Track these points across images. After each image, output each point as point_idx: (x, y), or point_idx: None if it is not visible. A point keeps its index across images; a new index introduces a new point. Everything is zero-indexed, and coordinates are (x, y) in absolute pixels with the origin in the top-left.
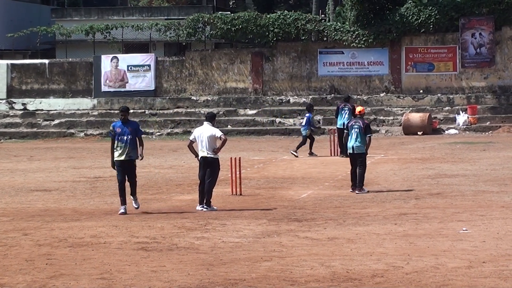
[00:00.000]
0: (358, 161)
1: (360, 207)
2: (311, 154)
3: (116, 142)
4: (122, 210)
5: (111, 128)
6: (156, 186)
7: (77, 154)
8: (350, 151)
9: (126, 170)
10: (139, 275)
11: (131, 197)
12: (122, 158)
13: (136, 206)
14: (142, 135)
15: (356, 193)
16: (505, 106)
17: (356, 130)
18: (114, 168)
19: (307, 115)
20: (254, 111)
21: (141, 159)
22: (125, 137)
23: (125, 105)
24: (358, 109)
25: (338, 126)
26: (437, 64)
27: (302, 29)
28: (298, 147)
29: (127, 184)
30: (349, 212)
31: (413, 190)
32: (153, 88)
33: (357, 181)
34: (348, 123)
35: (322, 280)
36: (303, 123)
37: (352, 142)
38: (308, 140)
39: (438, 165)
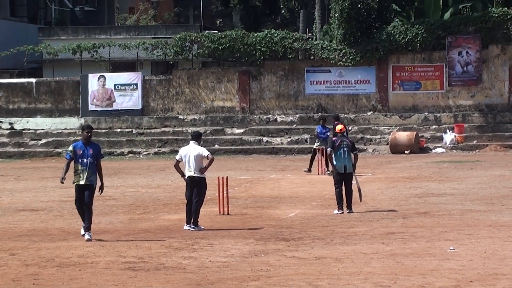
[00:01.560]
0: (348, 180)
1: (348, 226)
2: (310, 170)
3: (75, 164)
4: (88, 237)
5: (70, 148)
6: (143, 205)
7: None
8: (341, 170)
9: (83, 196)
10: None
11: (82, 225)
12: (82, 182)
13: (87, 238)
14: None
15: (348, 212)
16: (492, 124)
17: (345, 149)
18: (62, 182)
19: (326, 129)
20: (241, 130)
21: (101, 193)
22: (86, 160)
23: (111, 124)
24: (339, 127)
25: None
26: (424, 82)
27: (289, 47)
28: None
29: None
30: (337, 231)
31: (400, 209)
32: (140, 107)
33: (349, 200)
34: (334, 142)
35: None
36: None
37: (343, 161)
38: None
39: (425, 184)
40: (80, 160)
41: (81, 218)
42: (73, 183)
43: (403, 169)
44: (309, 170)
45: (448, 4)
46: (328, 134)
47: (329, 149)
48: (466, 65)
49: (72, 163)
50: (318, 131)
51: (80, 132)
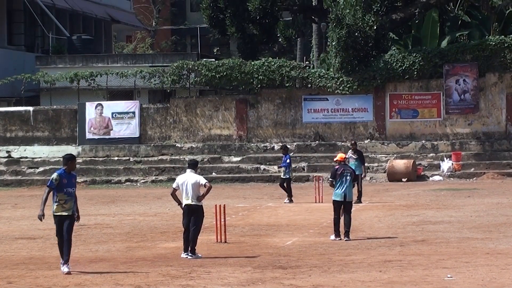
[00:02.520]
0: (346, 208)
1: (345, 254)
2: (291, 200)
3: (59, 194)
4: (66, 269)
5: (55, 176)
6: (141, 233)
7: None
8: (340, 198)
9: (63, 226)
10: None
11: (61, 260)
12: (66, 213)
13: (67, 271)
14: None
15: (346, 240)
16: (489, 152)
17: (348, 177)
18: (41, 220)
19: (287, 156)
20: (238, 158)
21: (78, 221)
22: (71, 190)
23: (108, 152)
24: (341, 156)
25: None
26: (422, 110)
27: (286, 76)
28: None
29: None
30: (334, 259)
31: (397, 237)
32: (138, 135)
33: (348, 227)
34: (336, 170)
35: None
36: (285, 165)
37: (344, 189)
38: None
39: (422, 211)
40: (65, 190)
41: (60, 253)
42: (54, 213)
43: (400, 197)
44: (291, 200)
45: (445, 33)
46: (289, 161)
47: (330, 179)
48: (464, 93)
49: (50, 193)
50: (282, 160)
51: (77, 160)
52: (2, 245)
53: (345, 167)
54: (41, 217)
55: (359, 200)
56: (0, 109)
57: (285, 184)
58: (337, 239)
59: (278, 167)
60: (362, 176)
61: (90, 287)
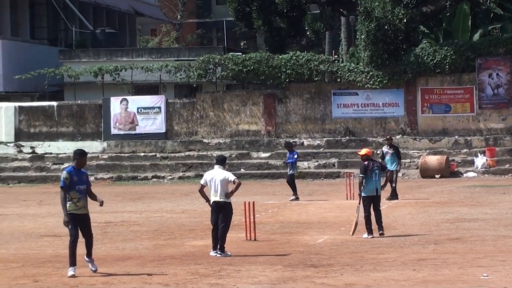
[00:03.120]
0: (377, 202)
1: (378, 253)
2: (297, 198)
3: (70, 192)
4: (72, 273)
5: (65, 175)
6: (168, 231)
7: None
8: (373, 193)
9: (82, 225)
10: None
11: (86, 259)
12: (80, 212)
13: (94, 269)
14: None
15: (380, 233)
16: None
17: (376, 171)
18: (68, 225)
19: (293, 153)
20: (267, 154)
21: (102, 205)
22: (83, 187)
23: (134, 148)
24: (366, 151)
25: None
26: (454, 105)
27: (315, 70)
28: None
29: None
30: (367, 258)
31: (431, 235)
32: (164, 131)
33: (380, 221)
34: (366, 166)
35: None
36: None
37: (375, 184)
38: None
39: (457, 209)
40: (77, 187)
41: (70, 255)
42: (69, 212)
43: (433, 194)
44: (297, 198)
45: (477, 26)
46: (296, 158)
47: (361, 175)
48: (497, 88)
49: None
50: (287, 157)
51: (102, 156)
52: (27, 242)
53: (373, 162)
54: (67, 223)
55: (395, 197)
56: (23, 104)
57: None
58: (370, 236)
59: (284, 163)
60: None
61: (117, 286)
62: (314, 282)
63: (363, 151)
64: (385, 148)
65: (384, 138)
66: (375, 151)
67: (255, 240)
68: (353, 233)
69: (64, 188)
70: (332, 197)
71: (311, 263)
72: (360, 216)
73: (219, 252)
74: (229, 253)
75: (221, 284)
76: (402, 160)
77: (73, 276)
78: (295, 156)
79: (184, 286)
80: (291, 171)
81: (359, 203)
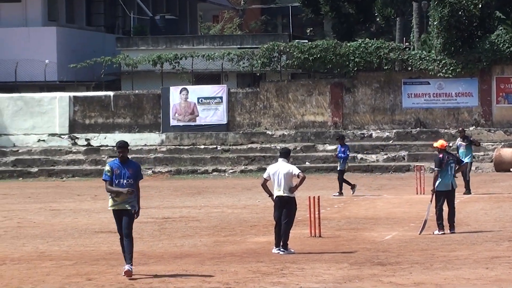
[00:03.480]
0: (451, 198)
1: (449, 250)
2: (341, 193)
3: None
4: (127, 268)
5: (107, 168)
6: (229, 227)
7: (144, 193)
8: (448, 188)
9: (121, 222)
10: None
11: (127, 264)
12: (119, 207)
13: (127, 269)
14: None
15: (451, 232)
16: None
17: (452, 164)
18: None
19: (345, 147)
20: (333, 147)
21: (137, 217)
22: (124, 181)
23: (194, 140)
24: (441, 143)
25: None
26: None
27: (384, 58)
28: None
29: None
30: (437, 255)
31: (505, 231)
32: (225, 122)
33: (452, 219)
34: (441, 159)
35: None
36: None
37: (450, 178)
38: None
39: None
40: (116, 181)
41: (123, 256)
42: (109, 207)
43: (508, 188)
44: (341, 193)
45: None
46: (348, 153)
47: (436, 169)
48: None
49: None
50: (338, 151)
51: (160, 149)
52: (81, 239)
53: (449, 155)
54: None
55: (468, 191)
56: (78, 94)
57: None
58: (441, 233)
59: (335, 157)
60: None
61: (175, 285)
62: (381, 281)
63: (439, 142)
64: (458, 141)
65: (456, 130)
66: (449, 144)
67: (320, 236)
68: (420, 232)
69: (106, 181)
70: (401, 192)
71: (378, 261)
72: (431, 213)
73: (282, 249)
74: (292, 250)
75: (283, 283)
76: (475, 153)
77: (128, 272)
78: (347, 151)
79: (244, 285)
80: (341, 167)
81: (431, 200)
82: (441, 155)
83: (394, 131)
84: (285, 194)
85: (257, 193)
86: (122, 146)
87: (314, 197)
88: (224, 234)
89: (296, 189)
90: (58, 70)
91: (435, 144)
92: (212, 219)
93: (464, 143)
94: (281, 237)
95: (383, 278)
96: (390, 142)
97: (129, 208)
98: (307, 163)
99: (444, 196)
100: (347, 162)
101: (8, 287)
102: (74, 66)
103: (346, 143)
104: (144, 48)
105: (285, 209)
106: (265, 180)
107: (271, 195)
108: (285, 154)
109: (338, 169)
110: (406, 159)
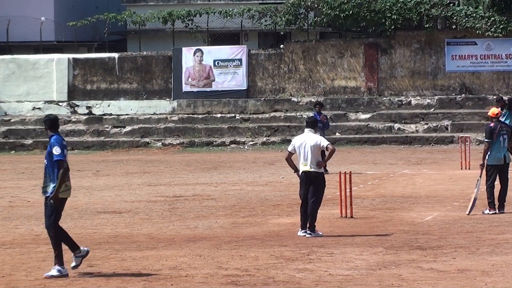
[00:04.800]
0: (504, 174)
1: (497, 232)
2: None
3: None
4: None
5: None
6: (249, 206)
7: (153, 168)
8: (501, 162)
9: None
10: None
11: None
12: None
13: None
14: None
15: (501, 212)
16: None
17: (505, 136)
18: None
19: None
20: (367, 115)
21: (51, 201)
22: (45, 161)
23: (210, 108)
24: (494, 111)
25: None
26: None
27: (426, 15)
28: None
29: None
30: (483, 238)
31: None
32: (245, 88)
33: (504, 197)
34: (492, 129)
35: None
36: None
37: (503, 151)
38: None
39: None
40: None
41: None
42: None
43: None
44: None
45: None
46: (326, 121)
47: (487, 140)
48: None
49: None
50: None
51: (171, 118)
52: (82, 220)
53: (501, 124)
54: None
55: None
56: (79, 56)
57: None
58: (492, 212)
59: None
60: None
61: (188, 271)
62: (420, 268)
63: (493, 110)
64: (506, 110)
65: (508, 97)
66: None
67: (351, 217)
68: (469, 212)
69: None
70: (443, 167)
71: (418, 245)
72: (481, 190)
73: (308, 232)
74: (320, 233)
75: (310, 269)
76: None
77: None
78: (327, 122)
79: (266, 272)
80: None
81: (480, 176)
82: (492, 124)
83: (436, 97)
84: (312, 170)
85: (281, 168)
86: (53, 119)
87: (345, 172)
88: (243, 214)
89: (325, 164)
90: (56, 29)
91: (490, 112)
92: (230, 198)
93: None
94: (308, 218)
95: (423, 264)
96: (432, 110)
97: (42, 193)
98: (337, 134)
99: (495, 171)
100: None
101: (0, 275)
102: (73, 24)
103: (383, 111)
104: (153, 3)
105: (312, 186)
106: (290, 154)
107: (296, 170)
108: (312, 123)
109: None
110: (449, 129)
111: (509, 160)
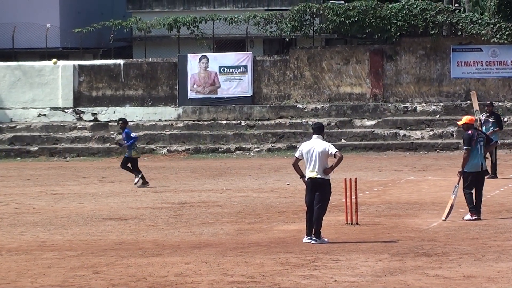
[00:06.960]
0: (481, 180)
1: (503, 239)
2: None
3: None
4: None
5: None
6: (254, 213)
7: (159, 175)
8: (478, 169)
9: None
10: None
11: None
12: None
13: None
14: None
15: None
16: None
17: (481, 143)
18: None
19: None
20: (373, 122)
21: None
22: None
23: (215, 115)
24: (469, 118)
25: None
26: None
27: (431, 21)
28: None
29: None
30: (489, 245)
31: None
32: (251, 94)
33: (479, 204)
34: (471, 137)
35: None
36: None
37: (480, 158)
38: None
39: None
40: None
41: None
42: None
43: None
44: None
45: None
46: (135, 136)
47: (465, 147)
48: None
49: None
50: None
51: (177, 124)
52: (87, 227)
53: (478, 132)
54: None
55: (494, 175)
56: (84, 63)
57: (129, 164)
58: (474, 218)
59: (123, 146)
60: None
61: (193, 278)
62: (426, 274)
63: (464, 119)
64: (483, 116)
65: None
66: (504, 118)
67: (357, 224)
68: (445, 218)
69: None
70: (449, 173)
71: (423, 252)
72: (459, 197)
73: (314, 238)
74: (325, 240)
75: (316, 276)
76: None
77: None
78: (134, 135)
79: (272, 279)
80: (128, 153)
81: (458, 182)
82: (470, 132)
83: (442, 104)
84: (319, 176)
85: (286, 174)
86: None
87: (351, 179)
88: (248, 221)
89: (332, 171)
90: (61, 35)
91: (460, 122)
92: (235, 205)
93: (491, 120)
94: (313, 225)
95: (429, 271)
96: (437, 116)
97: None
98: (342, 140)
99: (473, 178)
100: (134, 148)
101: (5, 281)
102: (79, 30)
103: (389, 117)
104: (159, 10)
105: (318, 192)
106: (297, 160)
107: (302, 176)
108: (319, 129)
109: (128, 156)
110: (455, 135)
111: (485, 168)
